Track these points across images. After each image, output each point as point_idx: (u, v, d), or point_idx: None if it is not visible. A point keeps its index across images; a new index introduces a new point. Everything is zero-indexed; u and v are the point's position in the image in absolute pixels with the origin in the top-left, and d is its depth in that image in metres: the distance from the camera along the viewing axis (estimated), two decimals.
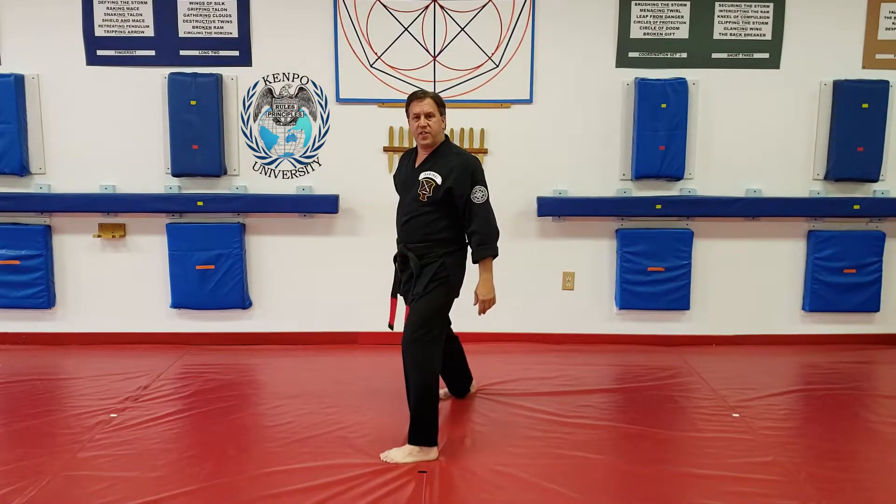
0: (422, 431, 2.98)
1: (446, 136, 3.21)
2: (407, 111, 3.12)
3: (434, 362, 3.04)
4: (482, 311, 3.15)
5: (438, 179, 3.05)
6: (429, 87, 4.46)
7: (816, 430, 3.32)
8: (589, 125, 4.51)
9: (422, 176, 3.08)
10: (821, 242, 4.55)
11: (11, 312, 4.58)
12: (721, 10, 4.43)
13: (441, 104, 3.12)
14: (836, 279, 4.57)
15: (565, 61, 4.46)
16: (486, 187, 3.09)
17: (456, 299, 3.17)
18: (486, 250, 3.06)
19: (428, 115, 3.04)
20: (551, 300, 4.66)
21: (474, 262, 3.09)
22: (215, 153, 4.39)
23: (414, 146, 3.28)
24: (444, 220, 3.09)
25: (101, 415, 3.42)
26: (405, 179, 3.19)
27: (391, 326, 3.33)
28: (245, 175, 4.54)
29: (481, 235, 3.05)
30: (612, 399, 3.70)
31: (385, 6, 4.40)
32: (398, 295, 3.29)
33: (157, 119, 4.44)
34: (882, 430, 3.32)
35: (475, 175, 3.06)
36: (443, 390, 3.50)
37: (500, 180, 4.16)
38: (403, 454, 2.96)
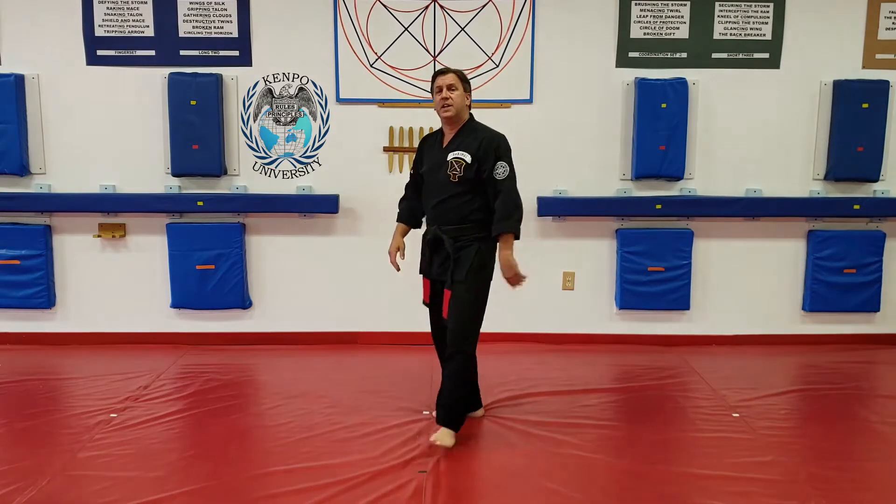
0: (458, 416, 3.11)
1: (471, 114, 3.18)
2: (431, 89, 3.12)
3: (474, 357, 3.16)
4: (513, 286, 3.12)
5: (468, 158, 3.04)
6: (429, 87, 4.44)
7: (816, 430, 3.32)
8: (589, 125, 4.51)
9: (450, 156, 3.07)
10: (821, 242, 4.55)
11: (11, 312, 4.58)
12: (721, 10, 4.43)
13: (464, 80, 3.12)
14: (836, 279, 4.56)
15: (565, 61, 4.46)
16: (511, 164, 3.07)
17: None
18: (503, 226, 3.02)
19: (450, 87, 3.04)
20: (551, 300, 4.66)
21: (493, 236, 3.06)
22: (215, 153, 4.39)
23: (434, 131, 3.27)
24: (477, 200, 3.07)
25: (101, 415, 3.42)
26: (433, 161, 3.15)
27: (426, 303, 3.30)
28: (245, 175, 4.54)
29: (500, 211, 3.03)
30: (612, 399, 3.71)
31: (385, 6, 4.40)
32: (429, 275, 3.25)
33: (157, 119, 4.44)
34: (882, 430, 3.32)
35: (499, 150, 3.06)
36: None
37: None
38: (450, 436, 3.06)
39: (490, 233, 3.08)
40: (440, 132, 3.22)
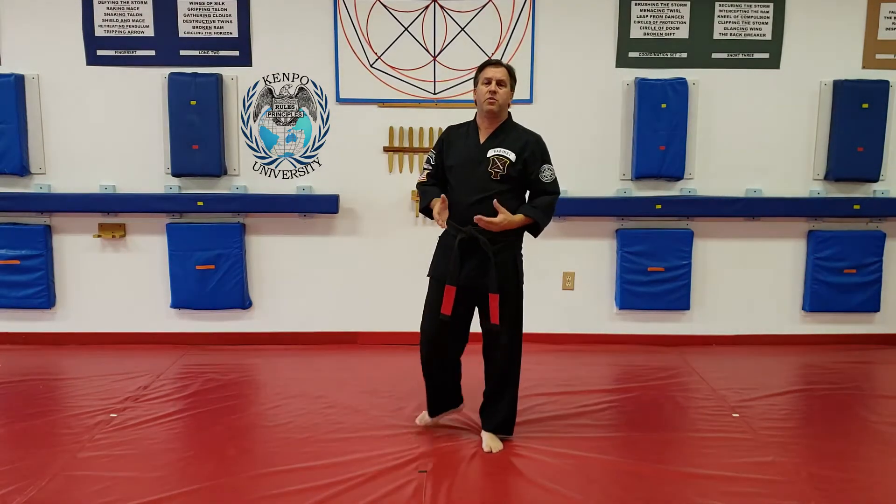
0: (514, 421, 3.15)
1: (510, 112, 3.12)
2: (477, 77, 3.05)
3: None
4: (486, 221, 2.88)
5: (512, 156, 2.97)
6: (429, 87, 4.47)
7: (816, 430, 3.32)
8: (589, 125, 4.51)
9: (491, 153, 2.99)
10: (821, 242, 4.55)
11: (11, 312, 4.58)
12: (721, 10, 4.43)
13: (514, 78, 3.08)
14: (836, 279, 4.57)
15: (565, 61, 4.46)
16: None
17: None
18: (537, 215, 2.96)
19: (499, 83, 2.99)
20: (551, 300, 4.66)
21: (524, 213, 2.97)
22: (215, 153, 4.39)
23: (461, 123, 3.15)
24: (516, 199, 3.02)
25: (101, 415, 3.42)
26: (468, 157, 3.01)
27: (446, 316, 3.01)
28: (245, 175, 4.54)
29: (541, 206, 3.00)
30: (612, 399, 3.70)
31: (385, 6, 4.40)
32: (454, 280, 3.00)
33: (157, 119, 4.44)
34: (882, 430, 3.32)
35: (545, 154, 3.06)
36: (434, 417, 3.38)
37: None
38: (499, 443, 3.09)
39: (521, 237, 3.08)
40: (471, 126, 3.10)
